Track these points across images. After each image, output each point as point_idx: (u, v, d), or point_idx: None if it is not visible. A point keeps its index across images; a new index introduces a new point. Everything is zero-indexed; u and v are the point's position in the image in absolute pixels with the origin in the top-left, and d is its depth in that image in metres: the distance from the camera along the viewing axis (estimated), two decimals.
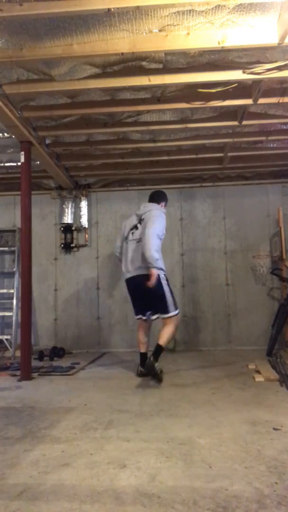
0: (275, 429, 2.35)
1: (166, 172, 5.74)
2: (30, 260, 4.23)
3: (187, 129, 4.39)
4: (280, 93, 3.61)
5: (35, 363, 4.59)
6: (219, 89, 3.44)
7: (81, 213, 6.07)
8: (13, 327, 5.54)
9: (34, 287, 5.75)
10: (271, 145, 4.95)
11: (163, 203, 4.18)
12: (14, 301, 5.62)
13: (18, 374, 4.07)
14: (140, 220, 3.93)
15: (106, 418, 2.63)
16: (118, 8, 2.46)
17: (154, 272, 3.65)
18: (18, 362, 4.45)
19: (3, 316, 5.97)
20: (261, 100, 3.61)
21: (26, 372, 3.98)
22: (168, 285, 3.87)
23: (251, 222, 5.94)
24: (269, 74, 3.16)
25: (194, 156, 5.13)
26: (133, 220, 4.02)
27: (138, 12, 2.59)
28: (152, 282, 3.64)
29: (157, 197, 4.17)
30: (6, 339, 5.58)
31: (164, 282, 3.80)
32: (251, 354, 5.01)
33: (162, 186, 6.06)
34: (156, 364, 3.63)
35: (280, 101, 3.64)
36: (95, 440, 2.25)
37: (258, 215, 5.94)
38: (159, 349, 3.72)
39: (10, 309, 5.67)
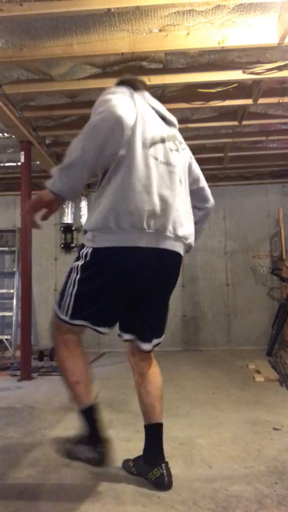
0: (275, 429, 2.35)
1: None
2: (30, 260, 4.23)
3: (187, 129, 4.39)
4: (280, 93, 3.61)
5: (35, 363, 4.58)
6: (219, 89, 3.44)
7: (81, 213, 6.08)
8: (13, 327, 5.54)
9: (34, 287, 5.74)
10: (271, 145, 4.95)
11: None
12: (14, 301, 5.62)
13: (18, 374, 4.07)
14: (176, 140, 1.66)
15: (106, 418, 2.63)
16: (118, 8, 2.46)
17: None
18: (18, 362, 4.45)
19: (3, 316, 5.97)
20: (261, 100, 3.61)
21: (26, 372, 3.98)
22: None
23: (251, 222, 5.94)
24: (269, 74, 3.16)
25: (194, 156, 5.12)
26: (159, 124, 1.60)
27: (138, 12, 2.59)
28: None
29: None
30: (6, 339, 5.58)
31: None
32: (251, 354, 5.01)
33: None
34: None
35: (280, 101, 3.64)
36: None
37: (258, 215, 5.94)
38: (158, 435, 1.72)
39: (10, 309, 5.67)
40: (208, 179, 6.16)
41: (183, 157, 1.66)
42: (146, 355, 1.72)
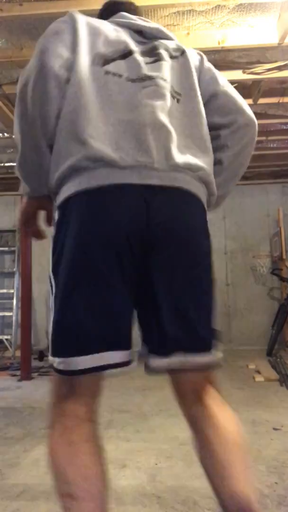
0: (275, 429, 2.35)
1: None
2: (30, 260, 4.23)
3: None
4: (280, 93, 3.61)
5: (35, 363, 4.58)
6: None
7: None
8: (13, 327, 5.54)
9: (34, 287, 5.74)
10: (271, 145, 4.95)
11: None
12: (14, 301, 5.62)
13: (18, 374, 4.07)
14: (162, 49, 1.12)
15: (106, 418, 2.63)
16: None
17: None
18: (18, 362, 4.45)
19: (3, 316, 5.97)
20: (261, 100, 3.61)
21: (26, 372, 3.97)
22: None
23: (251, 222, 5.94)
24: (269, 74, 3.16)
25: None
26: (125, 37, 1.11)
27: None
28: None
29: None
30: (6, 339, 5.59)
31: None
32: (251, 354, 5.01)
33: None
34: None
35: (280, 101, 3.64)
36: None
37: (258, 215, 5.94)
38: None
39: (10, 309, 5.67)
40: None
41: (176, 70, 1.10)
42: (205, 379, 1.09)
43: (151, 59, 1.08)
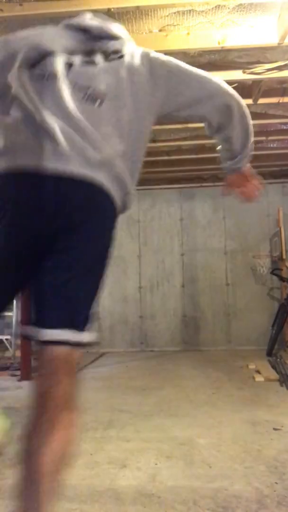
0: (275, 429, 2.35)
1: (166, 172, 5.74)
2: None
3: (187, 129, 4.39)
4: (280, 93, 3.61)
5: (35, 363, 4.58)
6: None
7: None
8: (13, 327, 5.53)
9: None
10: (271, 145, 4.95)
11: None
12: (14, 301, 5.62)
13: (18, 374, 4.06)
14: (98, 50, 1.18)
15: (106, 418, 2.63)
16: (118, 8, 2.46)
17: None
18: (18, 362, 4.45)
19: (3, 316, 5.96)
20: (261, 100, 3.61)
21: (26, 372, 3.97)
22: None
23: (251, 222, 5.94)
24: (269, 74, 3.16)
25: (194, 156, 5.13)
26: (62, 35, 1.19)
27: (138, 12, 2.59)
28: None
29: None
30: (6, 339, 5.58)
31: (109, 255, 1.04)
32: (251, 354, 5.01)
33: (162, 186, 6.08)
34: None
35: (280, 101, 3.64)
36: (95, 440, 2.25)
37: (258, 215, 5.94)
38: None
39: (10, 309, 5.67)
40: (208, 179, 6.07)
41: (109, 71, 1.11)
42: (59, 359, 0.96)
43: (87, 59, 1.12)
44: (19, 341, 4.70)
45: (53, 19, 2.63)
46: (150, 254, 6.01)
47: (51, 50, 1.08)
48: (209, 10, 2.60)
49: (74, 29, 1.19)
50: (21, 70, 1.03)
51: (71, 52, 1.11)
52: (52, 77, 1.03)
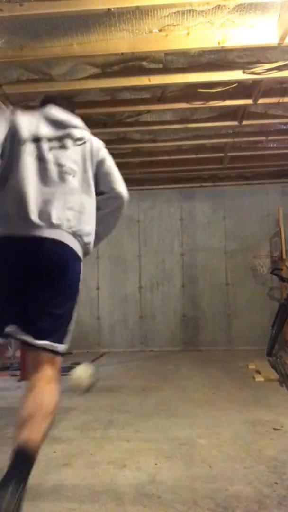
0: (275, 429, 2.35)
1: (166, 172, 5.74)
2: None
3: (187, 129, 4.39)
4: (280, 93, 3.61)
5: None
6: (219, 89, 3.44)
7: None
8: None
9: None
10: (271, 145, 4.95)
11: None
12: None
13: (18, 374, 4.07)
14: (69, 137, 1.68)
15: (106, 418, 2.63)
16: (118, 8, 2.46)
17: (80, 265, 1.61)
18: (18, 362, 4.45)
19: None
20: (261, 100, 3.61)
21: (26, 372, 3.97)
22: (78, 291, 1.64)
23: (251, 222, 5.94)
24: (269, 74, 3.16)
25: (194, 156, 5.13)
26: (44, 125, 1.67)
27: (138, 12, 2.59)
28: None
29: (71, 106, 1.95)
30: None
31: (78, 290, 1.62)
32: (251, 354, 5.01)
33: (162, 186, 6.08)
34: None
35: (280, 101, 3.64)
36: (95, 440, 2.25)
37: (258, 215, 5.94)
38: (27, 460, 1.38)
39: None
40: (208, 179, 6.08)
41: (78, 151, 1.65)
42: (44, 359, 1.50)
43: (59, 145, 1.63)
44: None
45: (53, 19, 2.64)
46: (150, 254, 6.01)
47: (40, 136, 1.60)
48: (209, 10, 2.60)
49: (49, 120, 1.67)
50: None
51: (50, 139, 1.62)
52: (40, 158, 1.55)
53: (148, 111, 3.99)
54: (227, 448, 2.09)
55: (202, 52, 3.02)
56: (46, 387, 1.49)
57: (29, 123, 1.62)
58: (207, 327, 5.82)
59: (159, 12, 2.62)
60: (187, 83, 3.35)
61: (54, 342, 1.49)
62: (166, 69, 3.25)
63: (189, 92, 3.60)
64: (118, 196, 1.76)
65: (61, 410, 2.80)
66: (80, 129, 1.73)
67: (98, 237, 1.70)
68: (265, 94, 3.55)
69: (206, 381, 3.70)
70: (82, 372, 2.51)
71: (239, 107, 3.92)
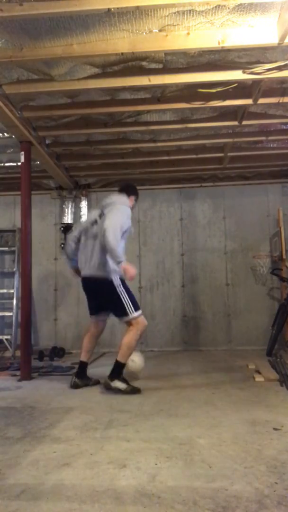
0: (275, 429, 2.35)
1: (166, 172, 5.74)
2: (30, 260, 4.23)
3: (187, 129, 4.39)
4: (280, 93, 3.61)
5: (35, 363, 4.58)
6: (219, 89, 3.44)
7: (81, 213, 6.07)
8: (13, 327, 5.53)
9: (34, 287, 5.74)
10: (271, 145, 4.95)
11: (132, 197, 3.68)
12: (14, 301, 5.62)
13: (18, 374, 4.07)
14: (101, 214, 3.35)
15: (106, 418, 2.63)
16: (118, 8, 2.46)
17: (113, 278, 3.29)
18: (18, 362, 4.45)
19: (3, 316, 5.96)
20: (261, 100, 3.61)
21: (26, 372, 3.98)
22: (125, 285, 3.36)
23: (251, 222, 5.94)
24: (269, 74, 3.16)
25: (194, 156, 5.13)
26: (93, 215, 3.49)
27: (138, 12, 2.59)
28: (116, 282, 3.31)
29: (126, 189, 3.64)
30: (6, 339, 5.58)
31: (119, 289, 3.31)
32: (251, 354, 5.01)
33: (162, 186, 6.08)
34: (117, 385, 3.24)
35: (280, 101, 3.64)
36: (95, 440, 2.25)
37: (258, 215, 5.94)
38: (118, 366, 3.29)
39: (10, 309, 5.67)
40: (208, 179, 6.10)
41: (101, 222, 3.31)
42: (126, 324, 3.37)
43: (95, 223, 3.43)
44: (19, 341, 4.70)
45: (53, 19, 2.63)
46: (150, 254, 6.01)
47: (87, 226, 3.53)
48: (209, 10, 2.60)
49: (102, 206, 3.45)
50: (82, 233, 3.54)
51: (92, 221, 3.48)
52: (89, 236, 3.46)
53: (148, 111, 3.99)
54: (227, 448, 2.09)
55: (202, 52, 3.02)
56: (128, 334, 3.34)
57: (93, 214, 3.55)
58: (207, 327, 5.82)
59: (159, 12, 2.62)
60: (187, 83, 3.35)
61: (124, 316, 3.34)
62: (166, 69, 3.25)
63: (189, 92, 3.61)
64: (103, 232, 3.21)
65: (60, 410, 2.82)
66: (111, 203, 3.41)
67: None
68: (265, 94, 3.56)
69: (206, 381, 3.70)
70: (137, 359, 3.71)
71: (239, 107, 3.92)
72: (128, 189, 3.64)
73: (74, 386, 3.45)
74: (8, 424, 2.56)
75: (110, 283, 3.27)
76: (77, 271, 3.62)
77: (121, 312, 3.29)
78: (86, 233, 3.46)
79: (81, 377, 3.52)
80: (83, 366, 3.55)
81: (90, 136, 4.62)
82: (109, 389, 3.25)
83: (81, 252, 3.48)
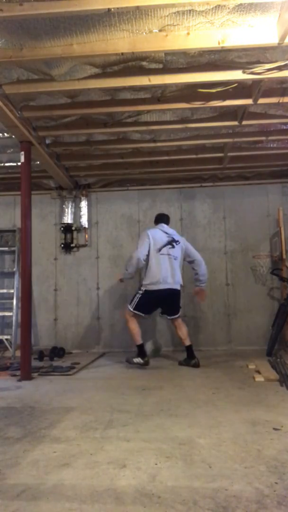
0: (275, 429, 2.35)
1: (166, 172, 5.74)
2: (30, 260, 4.23)
3: (187, 129, 4.39)
4: (280, 93, 3.61)
5: (35, 363, 4.58)
6: (219, 89, 3.44)
7: (81, 213, 6.07)
8: (13, 327, 5.53)
9: (34, 287, 5.75)
10: (271, 145, 4.95)
11: None
12: (14, 301, 5.62)
13: (18, 374, 4.06)
14: (174, 242, 4.54)
15: (106, 418, 2.64)
16: (118, 8, 2.46)
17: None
18: (18, 362, 4.45)
19: (3, 316, 5.97)
20: (261, 100, 3.61)
21: (26, 372, 3.97)
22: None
23: (251, 222, 5.94)
24: (269, 74, 3.16)
25: (194, 156, 5.13)
26: (164, 237, 4.53)
27: (138, 12, 2.59)
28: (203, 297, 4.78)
29: (168, 219, 4.89)
30: (6, 339, 5.58)
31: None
32: (251, 354, 5.01)
33: (162, 186, 6.08)
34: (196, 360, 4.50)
35: (280, 101, 3.64)
36: (95, 440, 2.25)
37: (258, 215, 5.94)
38: (189, 348, 4.58)
39: (10, 309, 5.67)
40: (208, 179, 6.09)
41: (178, 248, 4.53)
42: (174, 320, 4.57)
43: (171, 246, 4.52)
44: (19, 341, 4.70)
45: (53, 19, 2.63)
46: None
47: (162, 245, 4.49)
48: (209, 10, 2.60)
49: (163, 232, 4.58)
50: (154, 250, 4.49)
51: (165, 243, 4.51)
52: (164, 253, 4.49)
53: (148, 111, 3.99)
54: (227, 448, 2.09)
55: (202, 52, 3.02)
56: (182, 327, 4.58)
57: (161, 237, 4.51)
58: (207, 327, 5.82)
59: (159, 12, 2.62)
60: (187, 83, 3.35)
61: (176, 315, 4.59)
62: (166, 69, 3.25)
63: (189, 92, 3.60)
64: (198, 261, 4.64)
65: (60, 410, 2.82)
66: (177, 236, 4.61)
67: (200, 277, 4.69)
68: (265, 94, 3.55)
69: (206, 381, 3.70)
70: (150, 345, 5.10)
71: (239, 107, 3.92)
72: (169, 219, 4.91)
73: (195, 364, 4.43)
74: (8, 424, 2.56)
75: (179, 293, 4.59)
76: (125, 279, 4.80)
77: (178, 311, 4.60)
78: (158, 252, 4.45)
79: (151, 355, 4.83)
80: (141, 347, 4.51)
81: (90, 136, 4.62)
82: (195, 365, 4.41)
83: (155, 267, 4.41)
